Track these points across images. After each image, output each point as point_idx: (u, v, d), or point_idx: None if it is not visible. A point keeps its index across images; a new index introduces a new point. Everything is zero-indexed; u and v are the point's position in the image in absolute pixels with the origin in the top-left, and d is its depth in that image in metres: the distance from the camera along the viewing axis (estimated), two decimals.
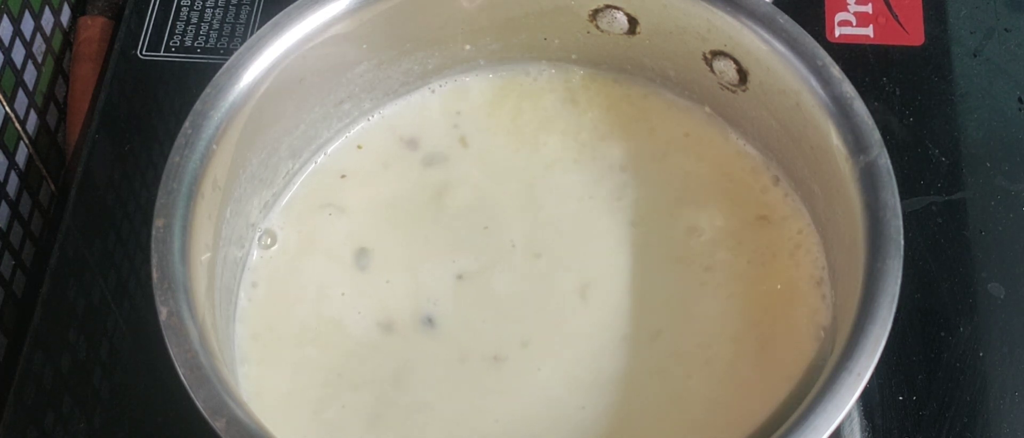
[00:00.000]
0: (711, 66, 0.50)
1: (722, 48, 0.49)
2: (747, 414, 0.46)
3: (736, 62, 0.49)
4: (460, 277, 0.50)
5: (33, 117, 0.61)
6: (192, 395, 0.41)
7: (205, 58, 0.61)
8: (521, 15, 0.52)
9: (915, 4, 0.61)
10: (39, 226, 0.61)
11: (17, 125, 0.59)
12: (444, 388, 0.48)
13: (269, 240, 0.51)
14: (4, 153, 0.58)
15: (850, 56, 0.59)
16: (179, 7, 0.63)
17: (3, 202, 0.58)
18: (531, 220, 0.51)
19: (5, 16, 0.58)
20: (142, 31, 0.63)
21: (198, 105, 0.47)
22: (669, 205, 0.51)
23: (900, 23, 0.60)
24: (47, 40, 0.63)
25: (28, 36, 0.61)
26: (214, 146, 0.46)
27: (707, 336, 0.48)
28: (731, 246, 0.50)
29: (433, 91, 0.54)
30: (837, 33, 0.60)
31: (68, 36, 0.65)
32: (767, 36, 0.47)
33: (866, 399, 0.51)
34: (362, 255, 0.51)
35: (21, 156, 0.60)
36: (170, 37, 0.62)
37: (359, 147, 0.53)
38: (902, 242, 0.43)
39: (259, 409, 0.43)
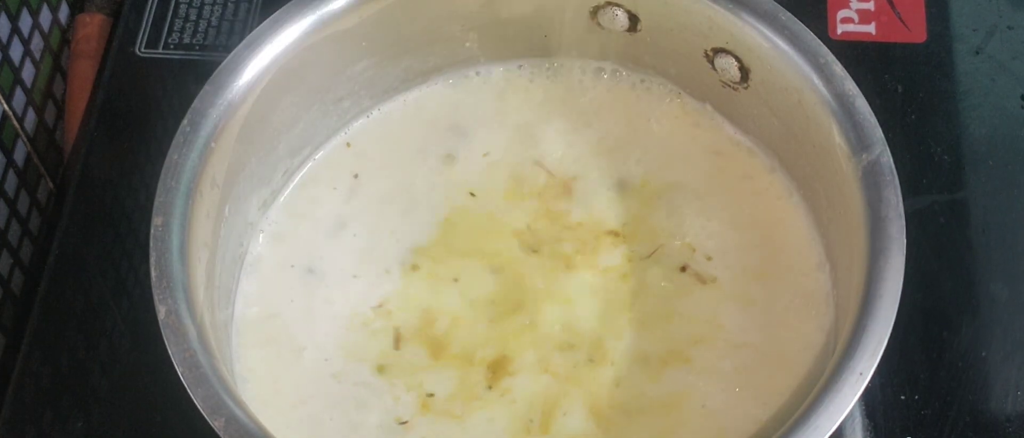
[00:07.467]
0: (713, 63, 0.50)
1: (724, 45, 0.49)
2: (748, 415, 0.46)
3: (738, 59, 0.49)
4: (460, 275, 0.50)
5: (31, 115, 0.61)
6: (191, 394, 0.41)
7: (204, 55, 0.61)
8: (521, 12, 0.52)
9: (917, 1, 0.61)
10: (37, 224, 0.61)
11: (15, 123, 0.59)
12: (444, 382, 0.48)
13: (268, 239, 0.51)
14: (2, 151, 0.58)
15: (852, 53, 0.59)
16: (177, 4, 0.63)
17: (1, 200, 0.58)
18: (531, 215, 0.51)
19: (3, 13, 0.58)
20: (140, 28, 0.62)
21: (196, 103, 0.46)
22: (668, 205, 0.51)
23: (902, 20, 0.60)
24: (45, 37, 0.63)
25: (26, 33, 0.60)
26: (212, 144, 0.46)
27: (706, 335, 0.48)
28: (731, 245, 0.50)
29: (433, 89, 0.54)
30: (839, 30, 0.60)
31: (66, 33, 0.65)
32: (769, 33, 0.47)
33: (868, 398, 0.51)
34: (361, 252, 0.51)
35: (19, 154, 0.60)
36: (168, 34, 0.62)
37: (356, 145, 0.53)
38: (904, 241, 0.42)
39: (257, 407, 0.43)
